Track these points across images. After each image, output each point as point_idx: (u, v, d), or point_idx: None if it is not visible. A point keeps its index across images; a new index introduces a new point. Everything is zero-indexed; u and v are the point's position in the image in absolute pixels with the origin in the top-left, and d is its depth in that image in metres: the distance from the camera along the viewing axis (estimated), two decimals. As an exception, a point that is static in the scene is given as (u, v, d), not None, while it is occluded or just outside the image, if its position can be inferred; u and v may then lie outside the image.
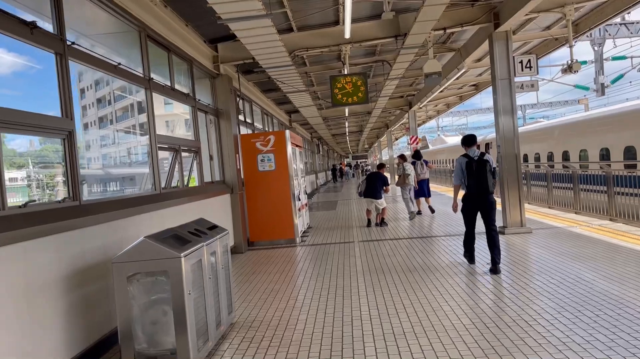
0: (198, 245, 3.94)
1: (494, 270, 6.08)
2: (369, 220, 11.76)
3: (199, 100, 7.97)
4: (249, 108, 12.73)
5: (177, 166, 6.75)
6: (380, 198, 11.41)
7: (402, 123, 30.90)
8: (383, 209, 11.59)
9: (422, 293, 5.43)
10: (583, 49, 65.09)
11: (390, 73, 11.87)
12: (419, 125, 39.83)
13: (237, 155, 9.34)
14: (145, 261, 3.55)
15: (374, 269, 6.80)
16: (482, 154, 6.26)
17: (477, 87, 20.47)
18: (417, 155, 13.71)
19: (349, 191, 27.26)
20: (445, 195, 18.75)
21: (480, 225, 6.53)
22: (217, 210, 8.27)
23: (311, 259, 7.97)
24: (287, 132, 9.83)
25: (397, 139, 45.07)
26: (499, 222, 9.35)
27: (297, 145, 11.12)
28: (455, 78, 13.50)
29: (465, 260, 6.95)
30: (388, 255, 7.79)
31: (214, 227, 4.77)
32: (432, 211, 13.08)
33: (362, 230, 10.91)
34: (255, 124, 13.30)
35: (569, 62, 9.19)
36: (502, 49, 8.91)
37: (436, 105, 26.22)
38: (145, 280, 3.63)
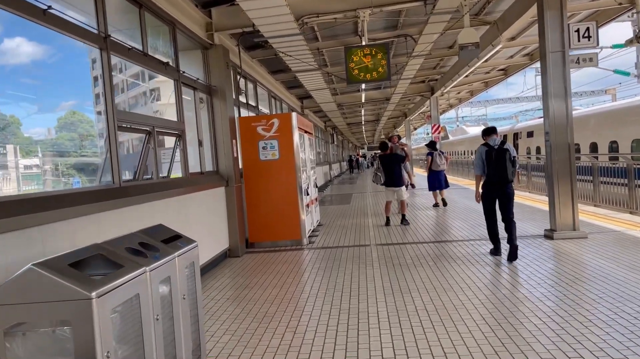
0: (134, 272, 2.54)
1: (512, 256, 6.17)
2: (387, 219, 10.17)
3: (184, 72, 6.55)
4: (252, 90, 11.30)
5: (150, 153, 5.36)
6: (403, 184, 9.96)
7: (421, 112, 29.25)
8: (402, 202, 10.08)
9: (459, 325, 3.97)
10: (620, 31, 62.04)
11: (415, 49, 10.31)
12: (440, 114, 38.11)
13: (235, 141, 7.93)
14: (33, 304, 2.16)
15: (397, 287, 5.35)
16: (503, 142, 6.28)
17: (506, 72, 18.78)
18: (432, 145, 12.65)
19: (364, 183, 25.76)
20: (469, 189, 17.14)
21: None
22: (207, 206, 6.89)
23: (319, 268, 6.56)
24: (294, 114, 8.38)
25: (415, 129, 43.32)
26: (545, 224, 7.80)
27: (306, 132, 9.68)
28: (489, 55, 11.88)
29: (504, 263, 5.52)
30: (413, 264, 6.33)
31: (174, 238, 3.37)
32: (445, 204, 12.52)
33: (379, 230, 9.46)
34: (260, 108, 11.88)
35: (637, 30, 7.56)
36: (555, 14, 7.32)
37: (458, 93, 24.52)
38: (36, 333, 2.24)
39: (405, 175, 10.59)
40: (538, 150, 17.87)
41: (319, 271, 6.37)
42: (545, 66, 7.47)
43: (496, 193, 6.29)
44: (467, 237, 8.05)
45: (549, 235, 7.51)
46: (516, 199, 6.76)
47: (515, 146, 20.45)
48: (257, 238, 8.46)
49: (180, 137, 6.26)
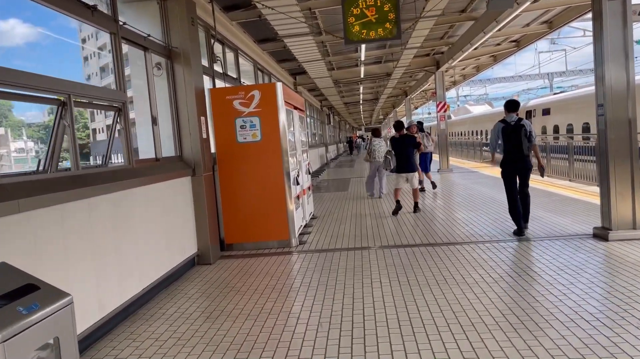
0: None
1: (519, 232, 6.35)
2: (397, 203, 8.87)
3: (125, 24, 4.88)
4: (233, 59, 9.59)
5: (65, 132, 3.73)
6: (416, 170, 9.04)
7: (423, 90, 27.51)
8: (415, 190, 9.08)
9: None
10: None
11: (426, 6, 8.62)
12: (432, 96, 36.30)
13: (204, 118, 6.29)
14: None
15: (406, 319, 3.79)
16: (520, 119, 6.35)
17: (519, 44, 17.06)
18: (419, 126, 11.66)
19: (362, 165, 24.14)
20: (479, 172, 15.61)
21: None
22: (164, 203, 5.29)
23: (309, 282, 4.99)
24: (279, 85, 6.74)
25: (416, 108, 41.58)
26: (596, 222, 6.27)
27: (295, 108, 8.04)
28: (513, 16, 10.17)
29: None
30: (426, 281, 4.78)
31: (20, 293, 1.77)
32: (434, 186, 12.00)
33: (380, 224, 7.90)
34: (243, 81, 10.20)
35: None
36: (614, -50, 5.64)
37: (464, 69, 22.82)
38: None
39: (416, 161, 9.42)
40: (556, 129, 16.25)
41: (310, 289, 4.80)
42: (601, 20, 5.82)
43: (515, 168, 6.35)
44: (492, 236, 6.49)
45: (601, 235, 5.95)
46: (535, 185, 7.09)
47: (528, 125, 18.88)
48: (236, 238, 6.89)
49: (121, 111, 4.61)
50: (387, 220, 8.46)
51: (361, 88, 21.66)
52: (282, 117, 6.69)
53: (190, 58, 6.00)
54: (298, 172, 7.53)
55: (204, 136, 6.23)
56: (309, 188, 9.00)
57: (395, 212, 8.80)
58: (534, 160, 6.62)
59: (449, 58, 15.09)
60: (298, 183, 7.37)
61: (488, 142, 23.26)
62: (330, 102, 27.00)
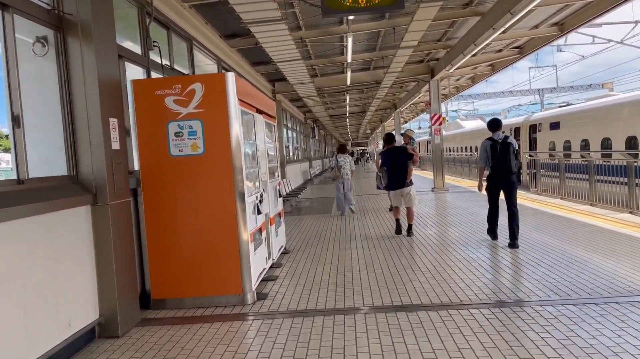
0: None
1: (512, 244, 6.46)
2: (397, 222, 8.10)
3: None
4: (186, 51, 7.64)
5: None
6: (412, 184, 7.99)
7: (413, 103, 25.84)
8: (410, 210, 8.01)
9: None
10: None
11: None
12: (423, 110, 34.53)
13: (115, 121, 4.29)
14: None
15: None
16: (506, 137, 6.61)
17: (522, 51, 15.44)
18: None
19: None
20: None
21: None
22: (32, 249, 3.30)
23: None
24: (231, 76, 4.79)
25: (406, 122, 39.95)
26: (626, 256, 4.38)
27: (260, 111, 6.12)
28: (523, 14, 8.41)
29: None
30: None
31: None
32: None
33: (371, 259, 5.94)
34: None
35: None
36: None
37: (458, 79, 21.21)
38: None
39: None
40: (567, 145, 14.48)
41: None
42: None
43: (501, 184, 6.61)
44: (529, 292, 4.58)
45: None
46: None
47: (532, 140, 17.11)
48: (167, 292, 4.86)
49: None
50: (379, 252, 6.51)
51: (347, 98, 19.87)
52: (235, 120, 4.75)
53: (93, 31, 4.03)
54: (261, 197, 5.57)
55: (115, 146, 4.24)
56: (279, 215, 7.03)
57: (398, 232, 8.00)
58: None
59: (446, 63, 13.33)
60: (260, 212, 5.39)
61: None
62: (315, 114, 25.19)
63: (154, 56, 5.97)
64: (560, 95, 50.10)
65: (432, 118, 16.01)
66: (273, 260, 6.30)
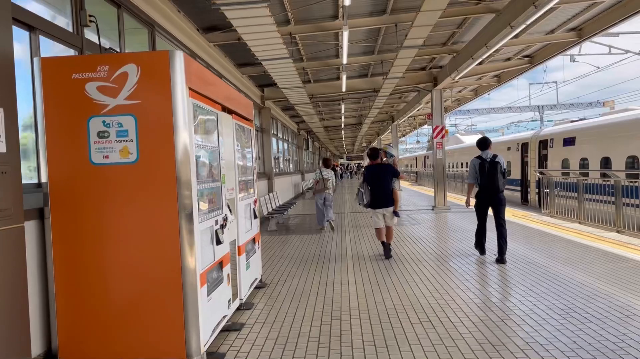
0: None
1: (500, 260, 6.56)
2: (384, 244, 7.45)
3: None
4: (148, 39, 6.33)
5: None
6: (392, 205, 7.39)
7: (411, 116, 24.66)
8: (389, 229, 7.48)
9: None
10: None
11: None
12: (421, 124, 33.26)
13: (2, 111, 2.97)
14: None
15: None
16: (495, 156, 6.79)
17: (532, 60, 14.30)
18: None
19: (343, 198, 20.93)
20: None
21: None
22: None
23: None
24: (179, 56, 3.47)
25: (404, 135, 38.81)
26: None
27: (229, 110, 4.83)
28: (536, 16, 7.19)
29: None
30: None
31: None
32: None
33: (365, 299, 4.61)
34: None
35: None
36: None
37: (460, 91, 20.05)
38: None
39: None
40: (584, 163, 13.21)
41: None
42: None
43: (489, 201, 6.79)
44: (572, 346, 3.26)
45: None
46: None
47: (543, 157, 15.86)
48: (81, 353, 3.49)
49: None
50: (374, 288, 5.16)
51: (343, 108, 18.62)
52: (184, 117, 3.43)
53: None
54: (224, 220, 4.23)
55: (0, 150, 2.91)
56: (253, 240, 5.69)
57: (387, 256, 7.30)
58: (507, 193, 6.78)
59: (452, 70, 12.11)
60: (220, 242, 4.05)
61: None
62: (309, 125, 23.92)
63: (92, 36, 4.67)
64: (561, 112, 49.36)
65: (434, 131, 14.77)
66: (241, 299, 4.94)
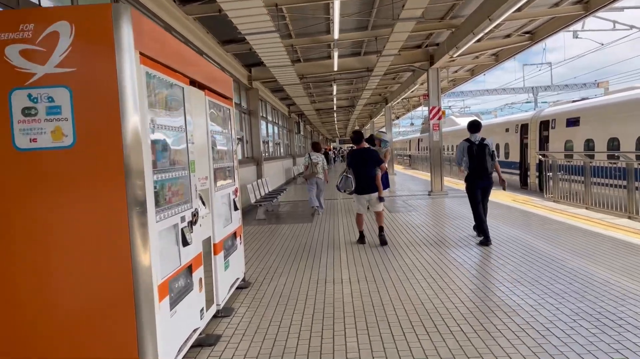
0: None
1: (485, 242, 6.59)
2: (361, 234, 7.32)
3: None
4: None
5: None
6: (377, 190, 7.12)
7: (405, 97, 23.93)
8: (379, 214, 7.21)
9: None
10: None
11: None
12: (415, 106, 32.39)
13: None
14: None
15: None
16: (482, 139, 6.84)
17: (533, 37, 13.57)
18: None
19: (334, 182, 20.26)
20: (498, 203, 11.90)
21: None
22: None
23: None
24: (124, 11, 2.73)
25: (397, 118, 38.06)
26: None
27: (200, 85, 4.11)
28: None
29: None
30: None
31: None
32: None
33: (361, 301, 3.96)
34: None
35: None
36: None
37: (456, 71, 19.30)
38: None
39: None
40: (589, 145, 12.56)
41: None
42: None
43: (480, 184, 6.80)
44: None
45: None
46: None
47: (544, 139, 15.22)
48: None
49: None
50: (371, 287, 4.51)
51: (335, 89, 17.83)
52: (134, 89, 2.71)
53: None
54: (194, 215, 3.54)
55: None
56: (234, 235, 5.01)
57: (361, 241, 7.22)
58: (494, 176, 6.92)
59: (450, 47, 11.37)
60: (187, 243, 3.36)
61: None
62: (300, 108, 23.12)
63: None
64: (556, 93, 48.79)
65: (430, 112, 14.08)
66: (218, 305, 4.27)
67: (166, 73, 3.22)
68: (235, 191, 5.19)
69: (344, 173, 7.19)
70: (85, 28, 2.68)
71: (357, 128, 45.51)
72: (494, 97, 54.56)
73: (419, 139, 36.43)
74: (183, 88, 3.56)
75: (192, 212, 3.53)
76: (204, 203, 4.08)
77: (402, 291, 4.73)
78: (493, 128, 19.80)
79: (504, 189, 7.42)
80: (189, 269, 3.46)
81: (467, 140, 6.87)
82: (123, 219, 2.71)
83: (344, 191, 7.24)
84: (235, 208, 5.06)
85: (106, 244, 2.73)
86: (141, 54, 2.80)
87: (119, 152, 2.70)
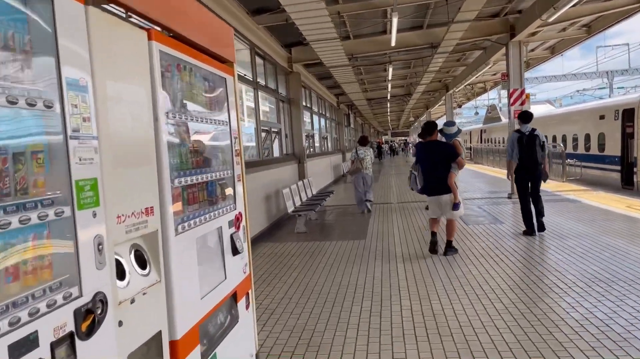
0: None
1: (540, 228, 6.77)
2: (432, 240, 6.16)
3: None
4: None
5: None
6: (450, 192, 5.92)
7: (469, 83, 21.12)
8: (450, 222, 6.04)
9: None
10: None
11: None
12: (479, 93, 29.01)
13: None
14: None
15: None
16: (533, 130, 6.74)
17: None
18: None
19: (397, 180, 17.88)
20: (581, 201, 9.15)
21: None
22: None
23: None
24: None
25: (459, 106, 34.94)
26: None
27: (176, 35, 1.92)
28: None
29: None
30: None
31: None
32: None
33: None
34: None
35: None
36: None
37: (533, 49, 16.32)
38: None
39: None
40: None
41: None
42: None
43: (529, 175, 6.77)
44: None
45: None
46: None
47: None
48: None
49: None
50: None
51: (390, 72, 15.35)
52: None
53: None
54: (101, 303, 1.40)
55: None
56: (233, 299, 2.85)
57: (432, 249, 6.17)
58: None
59: (544, 9, 8.74)
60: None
61: (569, 151, 16.76)
62: (349, 97, 20.86)
63: None
64: (634, 78, 43.86)
65: (510, 96, 11.43)
66: None
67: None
68: (238, 218, 3.03)
69: (411, 171, 6.54)
70: None
71: (411, 119, 42.66)
72: (555, 84, 49.91)
73: (481, 130, 33.22)
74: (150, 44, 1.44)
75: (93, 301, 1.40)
76: (144, 262, 1.95)
77: None
78: (582, 115, 16.82)
79: (544, 181, 7.03)
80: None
81: (517, 131, 6.89)
82: None
83: (412, 189, 6.62)
84: (236, 252, 2.90)
85: None
86: None
87: None
